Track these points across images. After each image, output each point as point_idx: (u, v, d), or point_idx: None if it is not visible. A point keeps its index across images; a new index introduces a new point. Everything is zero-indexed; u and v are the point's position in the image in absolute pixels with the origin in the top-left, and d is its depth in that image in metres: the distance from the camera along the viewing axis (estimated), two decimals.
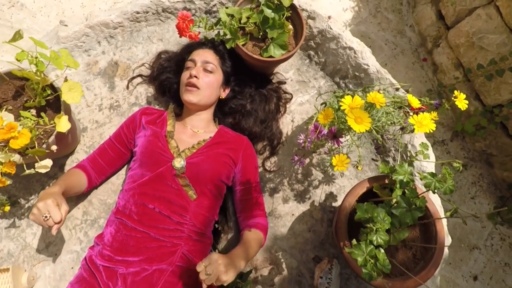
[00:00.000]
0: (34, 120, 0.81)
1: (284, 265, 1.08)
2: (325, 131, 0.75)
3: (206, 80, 1.02)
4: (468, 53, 1.72)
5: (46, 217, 0.77)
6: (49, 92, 0.94)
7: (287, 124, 1.20)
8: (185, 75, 1.04)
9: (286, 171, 1.16)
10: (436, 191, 0.71)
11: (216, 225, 1.07)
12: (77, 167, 1.03)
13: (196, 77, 1.00)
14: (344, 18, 2.10)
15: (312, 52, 1.26)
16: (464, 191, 1.75)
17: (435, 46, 1.96)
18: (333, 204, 1.13)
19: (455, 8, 1.79)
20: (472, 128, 1.67)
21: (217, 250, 1.09)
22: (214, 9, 1.31)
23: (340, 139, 0.77)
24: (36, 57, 0.81)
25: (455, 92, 0.78)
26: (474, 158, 1.82)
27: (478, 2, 1.66)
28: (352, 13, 2.12)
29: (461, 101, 0.78)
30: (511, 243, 1.68)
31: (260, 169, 1.14)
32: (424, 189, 0.77)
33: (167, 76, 1.15)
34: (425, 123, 0.70)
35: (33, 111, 0.93)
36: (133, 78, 1.23)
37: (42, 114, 0.86)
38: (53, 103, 0.98)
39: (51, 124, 0.87)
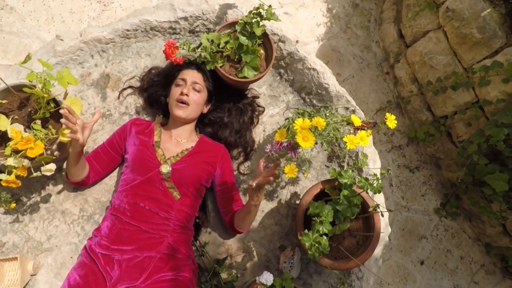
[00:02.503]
0: (45, 133, 0.96)
1: (254, 253, 1.27)
2: (285, 143, 0.95)
3: (194, 98, 1.19)
4: (422, 70, 1.97)
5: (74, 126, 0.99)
6: (52, 105, 1.08)
7: (259, 133, 1.39)
8: (176, 91, 1.20)
9: None
10: (368, 191, 0.92)
11: (197, 220, 1.25)
12: None
13: (186, 95, 1.17)
14: (318, 33, 2.31)
15: (282, 71, 1.45)
16: (416, 190, 2.01)
17: (396, 61, 2.20)
18: (297, 202, 1.34)
19: (412, 30, 2.02)
20: (422, 135, 1.93)
21: (198, 242, 1.28)
22: (197, 29, 1.47)
23: (297, 150, 0.97)
24: (45, 78, 0.96)
25: (387, 114, 0.99)
26: (425, 161, 2.08)
27: (430, 26, 1.90)
28: (324, 28, 2.32)
29: (391, 121, 0.99)
30: (453, 233, 1.96)
31: (235, 172, 1.33)
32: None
33: (155, 90, 1.31)
34: (359, 139, 0.92)
35: (38, 122, 1.07)
36: (124, 89, 1.38)
37: (50, 126, 1.00)
38: (55, 114, 1.13)
39: (56, 135, 1.02)
